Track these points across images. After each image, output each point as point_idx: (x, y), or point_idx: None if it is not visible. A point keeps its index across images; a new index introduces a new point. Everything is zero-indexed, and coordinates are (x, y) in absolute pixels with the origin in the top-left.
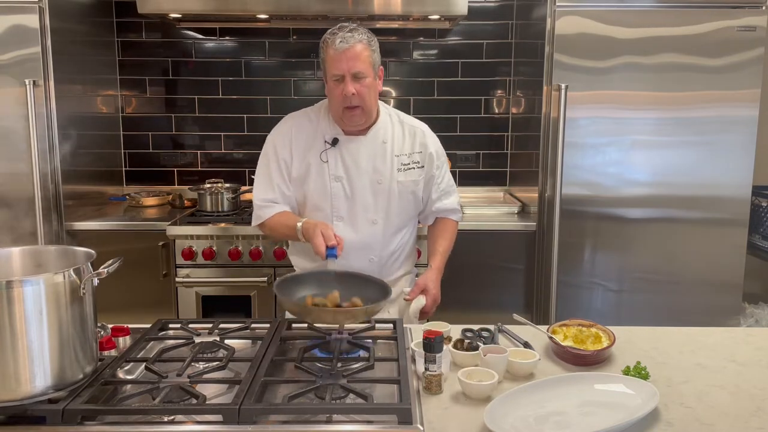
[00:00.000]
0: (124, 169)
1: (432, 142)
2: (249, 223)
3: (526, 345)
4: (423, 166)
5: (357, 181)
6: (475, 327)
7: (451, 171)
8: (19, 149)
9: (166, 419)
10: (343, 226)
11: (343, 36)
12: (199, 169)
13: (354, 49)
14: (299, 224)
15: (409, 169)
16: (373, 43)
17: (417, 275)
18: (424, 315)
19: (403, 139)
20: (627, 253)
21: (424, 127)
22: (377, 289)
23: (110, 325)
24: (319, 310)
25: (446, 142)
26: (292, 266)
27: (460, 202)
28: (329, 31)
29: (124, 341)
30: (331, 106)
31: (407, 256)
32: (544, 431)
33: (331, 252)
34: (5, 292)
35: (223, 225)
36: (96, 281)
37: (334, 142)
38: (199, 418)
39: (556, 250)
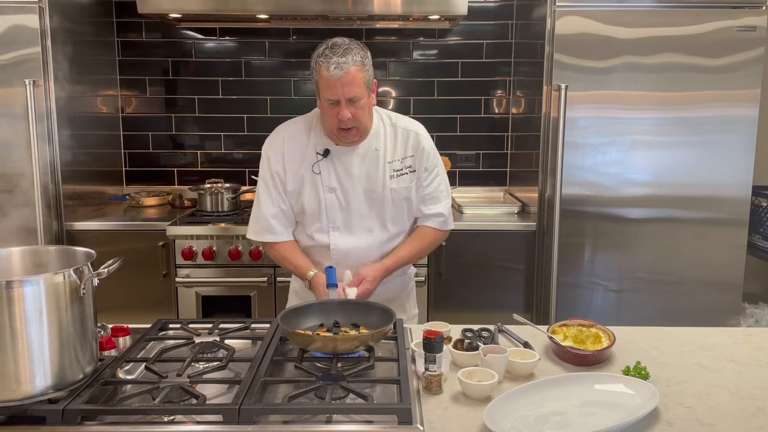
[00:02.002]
0: (124, 169)
1: (426, 144)
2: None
3: (526, 345)
4: (415, 170)
5: (351, 191)
6: (475, 327)
7: (451, 171)
8: (19, 149)
9: (166, 419)
10: (339, 236)
11: (338, 61)
12: (199, 169)
13: (349, 75)
14: (310, 273)
15: (402, 175)
16: (367, 60)
17: (416, 275)
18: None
19: (395, 143)
20: (627, 253)
21: (417, 128)
22: (380, 314)
23: (110, 325)
24: (323, 338)
25: (446, 142)
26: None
27: (449, 211)
28: (321, 51)
29: (124, 341)
30: (324, 123)
31: None
32: (544, 431)
33: (332, 282)
34: (5, 292)
35: (223, 225)
36: (96, 281)
37: (326, 153)
38: (199, 418)
39: (556, 250)
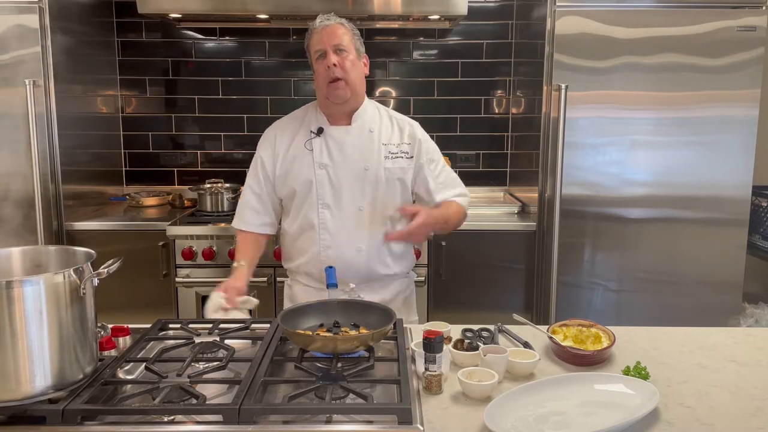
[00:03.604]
0: (124, 169)
1: (421, 133)
2: None
3: (526, 345)
4: (412, 157)
5: (342, 169)
6: (475, 327)
7: None
8: (19, 149)
9: (166, 419)
10: (329, 215)
11: (325, 17)
12: (199, 169)
13: (334, 26)
14: (237, 263)
15: (397, 157)
16: (355, 30)
17: (416, 276)
18: (401, 238)
19: (392, 130)
20: (627, 253)
21: (412, 121)
22: (380, 315)
23: (110, 325)
24: (323, 338)
25: (446, 142)
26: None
27: (467, 194)
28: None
29: (124, 341)
30: (317, 88)
31: (400, 255)
32: (544, 431)
33: (332, 282)
34: (5, 292)
35: (223, 225)
36: (96, 281)
37: (319, 131)
38: (199, 418)
39: (556, 250)
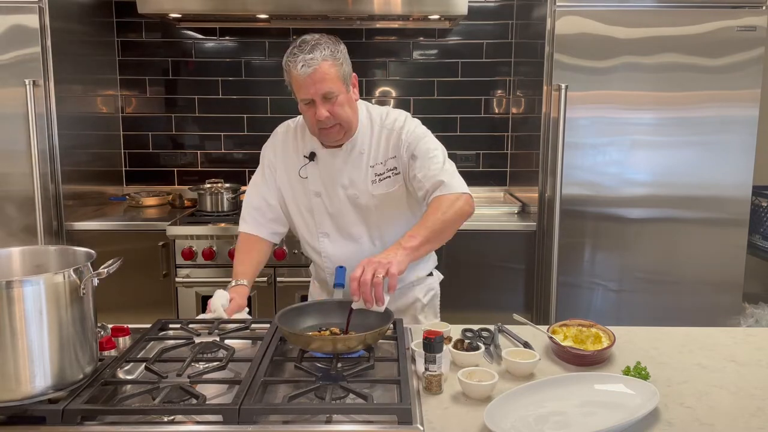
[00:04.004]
0: (124, 169)
1: (406, 132)
2: None
3: (526, 345)
4: (399, 173)
5: (335, 197)
6: (475, 327)
7: None
8: (19, 149)
9: (166, 419)
10: (328, 242)
11: (305, 59)
12: (199, 169)
13: (319, 71)
14: (232, 282)
15: (385, 178)
16: (339, 54)
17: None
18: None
19: (379, 144)
20: (627, 253)
21: (400, 121)
22: (379, 316)
23: (110, 325)
24: (321, 338)
25: (446, 142)
26: (291, 266)
27: (448, 177)
28: (289, 51)
29: (124, 341)
30: (306, 124)
31: (411, 266)
32: (544, 431)
33: (339, 282)
34: (5, 292)
35: (223, 225)
36: (96, 281)
37: (312, 156)
38: (199, 418)
39: (556, 250)
